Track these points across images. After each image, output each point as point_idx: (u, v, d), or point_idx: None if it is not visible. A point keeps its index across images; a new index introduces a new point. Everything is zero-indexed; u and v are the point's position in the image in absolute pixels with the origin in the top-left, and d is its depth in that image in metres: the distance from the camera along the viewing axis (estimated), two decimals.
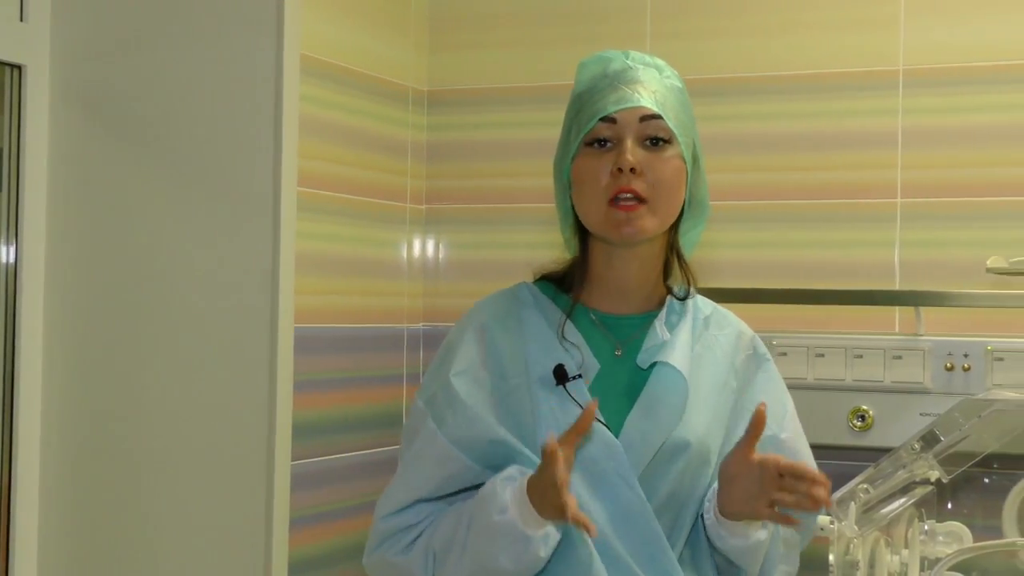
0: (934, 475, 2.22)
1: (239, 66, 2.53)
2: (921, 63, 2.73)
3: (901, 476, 2.14)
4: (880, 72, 2.75)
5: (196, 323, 2.57)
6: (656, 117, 1.67)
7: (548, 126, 2.90)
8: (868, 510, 2.04)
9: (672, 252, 1.78)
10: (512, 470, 1.62)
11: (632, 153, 1.65)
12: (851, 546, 2.03)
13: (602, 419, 1.66)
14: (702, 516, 1.72)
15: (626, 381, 1.71)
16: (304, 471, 2.67)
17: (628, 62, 1.73)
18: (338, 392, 2.82)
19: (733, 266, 2.81)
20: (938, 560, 2.16)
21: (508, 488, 1.59)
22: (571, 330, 1.72)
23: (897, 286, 2.72)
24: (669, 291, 1.79)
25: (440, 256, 3.12)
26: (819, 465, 1.80)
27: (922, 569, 2.21)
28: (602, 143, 1.68)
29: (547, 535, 1.58)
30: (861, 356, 2.61)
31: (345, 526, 2.81)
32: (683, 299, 1.78)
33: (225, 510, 2.53)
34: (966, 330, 2.61)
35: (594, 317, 1.75)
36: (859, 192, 2.76)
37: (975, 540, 2.23)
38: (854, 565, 2.12)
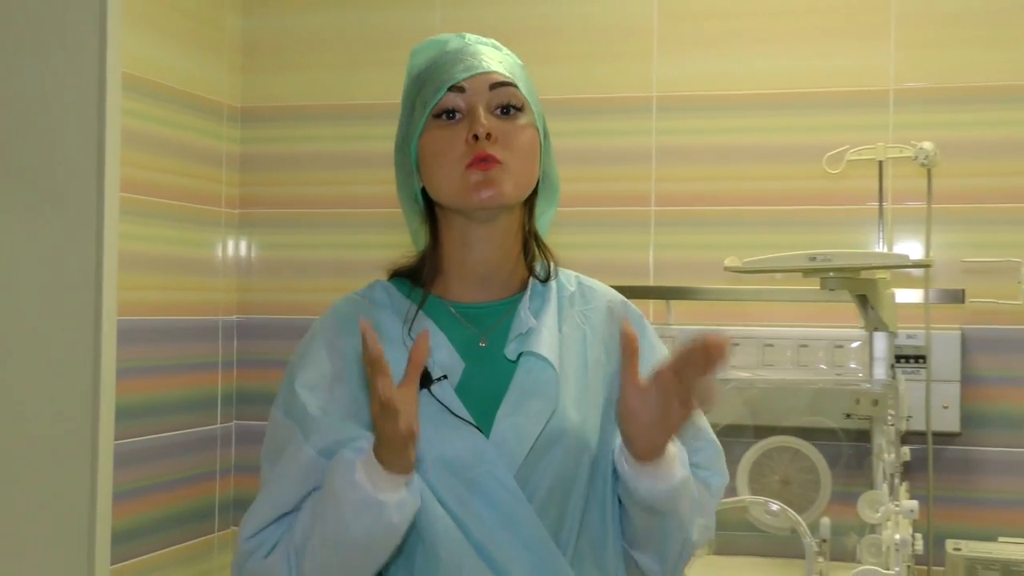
0: None
1: (65, 84, 2.52)
2: (671, 91, 2.86)
3: None
4: (636, 98, 2.89)
5: (23, 317, 2.55)
6: (507, 84, 1.50)
7: (350, 140, 2.99)
8: None
9: (529, 233, 1.59)
10: (360, 441, 1.40)
11: (487, 119, 1.47)
12: None
13: (470, 419, 1.46)
14: (616, 477, 1.51)
15: (495, 374, 1.51)
16: (127, 449, 2.70)
17: (465, 41, 1.55)
18: (159, 378, 2.84)
19: None
20: None
21: (352, 453, 1.38)
22: (430, 328, 1.49)
23: (651, 282, 2.85)
24: (531, 273, 1.59)
25: (252, 255, 3.16)
26: None
27: None
28: (451, 115, 1.49)
29: (402, 501, 1.36)
30: None
31: (165, 498, 2.86)
32: (545, 281, 1.59)
33: (52, 486, 2.53)
34: (708, 319, 2.75)
35: (453, 310, 1.54)
36: (619, 201, 2.89)
37: None
38: None
